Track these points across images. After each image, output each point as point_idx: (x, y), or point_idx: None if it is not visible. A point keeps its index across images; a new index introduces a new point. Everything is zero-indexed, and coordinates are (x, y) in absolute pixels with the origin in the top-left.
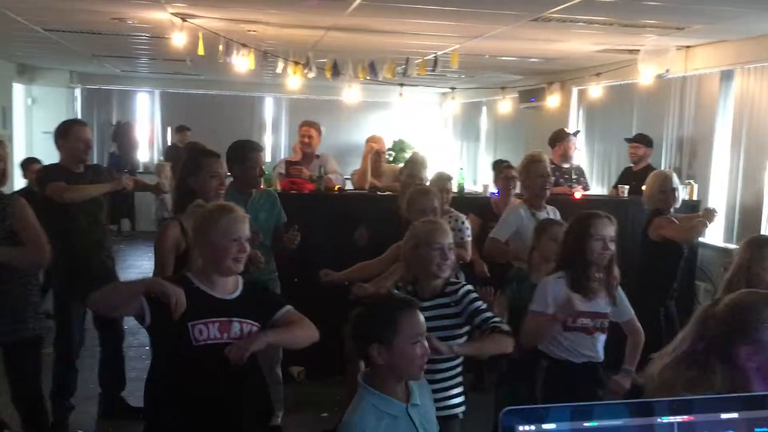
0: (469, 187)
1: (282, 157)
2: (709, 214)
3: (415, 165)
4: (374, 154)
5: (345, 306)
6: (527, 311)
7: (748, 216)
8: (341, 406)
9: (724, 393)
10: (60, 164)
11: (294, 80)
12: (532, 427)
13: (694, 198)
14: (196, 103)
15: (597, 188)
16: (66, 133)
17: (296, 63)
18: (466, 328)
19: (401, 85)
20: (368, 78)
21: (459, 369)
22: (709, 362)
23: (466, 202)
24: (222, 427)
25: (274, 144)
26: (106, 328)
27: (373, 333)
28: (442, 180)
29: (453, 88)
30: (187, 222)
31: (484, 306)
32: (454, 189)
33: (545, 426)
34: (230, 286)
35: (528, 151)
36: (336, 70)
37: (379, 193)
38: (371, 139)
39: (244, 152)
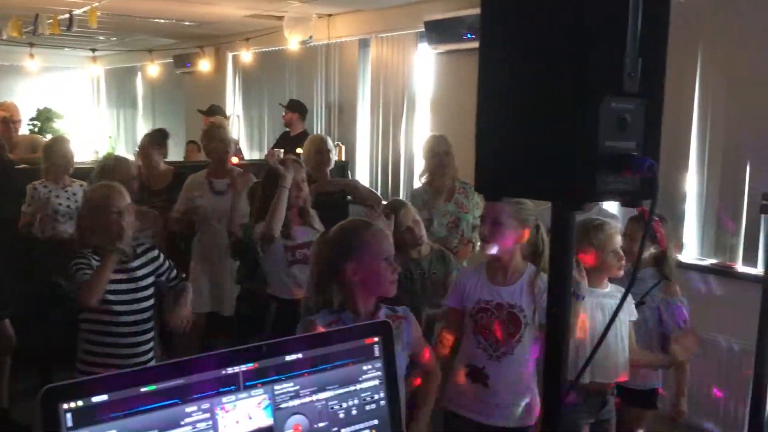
0: (128, 157)
1: None
2: None
3: None
4: (2, 123)
5: None
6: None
7: (390, 172)
8: None
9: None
10: None
11: None
12: (80, 403)
13: (343, 159)
14: None
15: (255, 153)
16: None
17: None
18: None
19: (31, 45)
20: None
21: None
22: (327, 283)
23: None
24: None
25: None
26: None
27: None
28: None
29: (93, 50)
30: None
31: (169, 263)
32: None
33: (95, 399)
34: None
35: (187, 117)
36: None
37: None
38: (1, 106)
39: None
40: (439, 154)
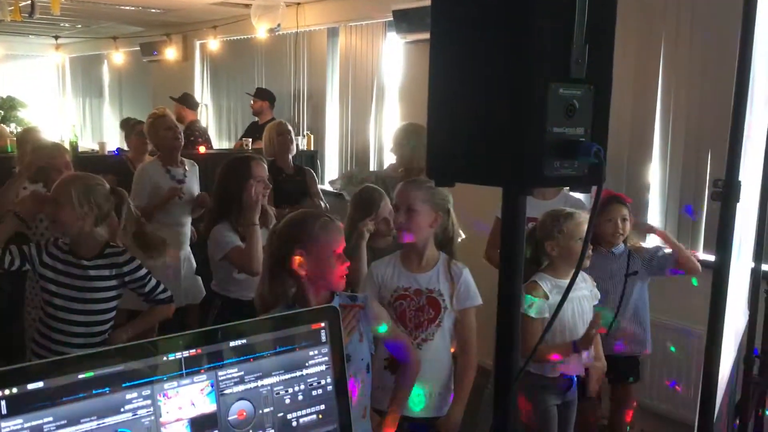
0: (92, 146)
1: None
2: None
3: None
4: None
5: None
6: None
7: (358, 162)
8: None
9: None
10: None
11: None
12: (14, 390)
13: (312, 148)
14: None
15: (224, 143)
16: None
17: None
18: (119, 291)
19: None
20: None
21: None
22: (279, 274)
23: (93, 161)
24: None
25: None
26: None
27: None
28: None
29: (57, 37)
30: None
31: (145, 273)
32: (66, 146)
33: (30, 386)
34: None
35: (154, 106)
36: None
37: None
38: None
39: None
40: (410, 143)
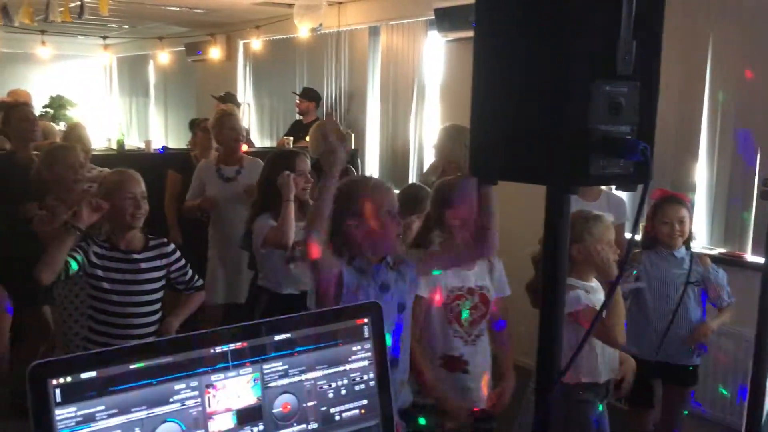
0: (138, 145)
1: None
2: None
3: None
4: None
5: None
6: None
7: (399, 161)
8: None
9: None
10: None
11: None
12: (68, 379)
13: (352, 147)
14: None
15: (265, 141)
16: None
17: None
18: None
19: (42, 32)
20: (1, 23)
21: None
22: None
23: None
24: None
25: None
26: None
27: None
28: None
29: (105, 37)
30: None
31: (183, 263)
32: (113, 146)
33: (84, 375)
34: None
35: (198, 105)
36: None
37: None
38: (14, 93)
39: None
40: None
